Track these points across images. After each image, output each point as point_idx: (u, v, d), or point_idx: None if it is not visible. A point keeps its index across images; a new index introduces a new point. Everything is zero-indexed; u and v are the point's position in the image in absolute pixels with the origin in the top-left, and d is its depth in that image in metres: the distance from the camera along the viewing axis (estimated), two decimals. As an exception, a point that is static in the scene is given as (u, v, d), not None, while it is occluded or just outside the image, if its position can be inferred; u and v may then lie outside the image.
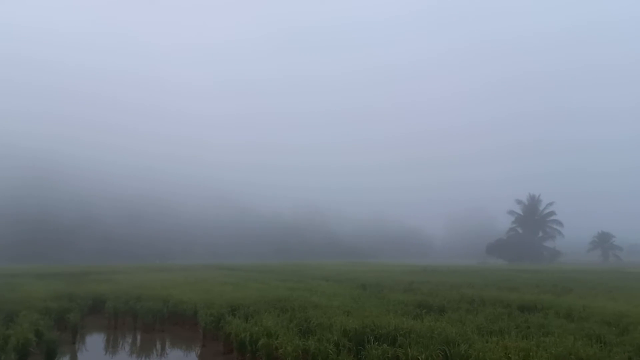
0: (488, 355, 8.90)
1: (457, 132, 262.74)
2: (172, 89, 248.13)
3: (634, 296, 19.95)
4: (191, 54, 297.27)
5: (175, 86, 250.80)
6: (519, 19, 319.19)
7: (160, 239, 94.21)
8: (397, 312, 14.50)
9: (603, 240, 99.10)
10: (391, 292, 20.93)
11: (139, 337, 16.63)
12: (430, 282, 26.96)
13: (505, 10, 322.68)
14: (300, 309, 15.18)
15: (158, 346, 15.47)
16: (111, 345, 15.70)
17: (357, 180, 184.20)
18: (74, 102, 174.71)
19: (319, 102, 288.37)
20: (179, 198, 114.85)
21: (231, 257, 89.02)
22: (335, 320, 12.46)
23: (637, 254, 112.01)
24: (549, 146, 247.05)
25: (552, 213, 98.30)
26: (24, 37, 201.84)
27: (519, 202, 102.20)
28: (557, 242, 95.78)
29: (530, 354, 8.86)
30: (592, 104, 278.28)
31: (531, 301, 16.91)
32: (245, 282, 27.27)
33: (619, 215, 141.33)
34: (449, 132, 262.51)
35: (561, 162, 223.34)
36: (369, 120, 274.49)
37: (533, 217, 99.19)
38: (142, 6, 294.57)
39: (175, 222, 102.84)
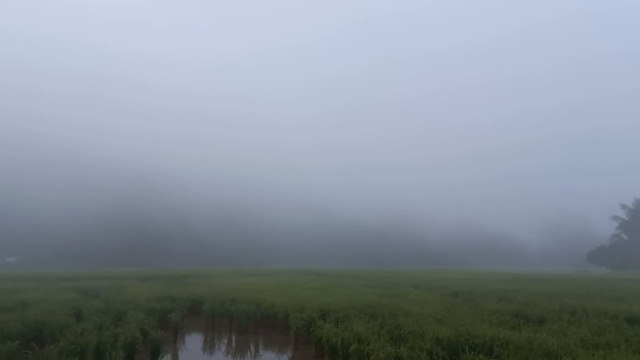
0: (596, 370, 8.32)
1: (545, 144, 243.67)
2: (251, 96, 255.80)
3: None
4: (261, 60, 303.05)
5: (255, 93, 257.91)
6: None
7: (249, 245, 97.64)
8: (492, 321, 13.94)
9: None
10: (485, 301, 20.17)
11: (234, 338, 17.25)
12: (526, 291, 25.65)
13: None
14: (390, 315, 15.04)
15: (252, 348, 15.95)
16: (208, 346, 16.41)
17: (444, 187, 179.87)
18: (165, 119, 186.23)
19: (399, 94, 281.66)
20: (267, 204, 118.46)
21: (317, 262, 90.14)
22: (427, 328, 12.21)
23: None
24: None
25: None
26: (126, 59, 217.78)
27: (624, 206, 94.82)
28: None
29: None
30: None
31: (642, 313, 15.60)
32: (333, 287, 27.44)
33: None
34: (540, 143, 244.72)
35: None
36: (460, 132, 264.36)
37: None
38: (212, 17, 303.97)
39: (263, 227, 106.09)
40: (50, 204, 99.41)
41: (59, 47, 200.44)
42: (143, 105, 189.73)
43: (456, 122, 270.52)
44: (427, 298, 20.98)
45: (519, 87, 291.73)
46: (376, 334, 12.16)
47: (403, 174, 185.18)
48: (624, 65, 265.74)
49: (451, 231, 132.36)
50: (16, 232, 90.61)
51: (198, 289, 25.75)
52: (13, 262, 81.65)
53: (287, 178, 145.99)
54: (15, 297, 20.39)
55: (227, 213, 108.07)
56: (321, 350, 13.30)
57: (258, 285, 28.69)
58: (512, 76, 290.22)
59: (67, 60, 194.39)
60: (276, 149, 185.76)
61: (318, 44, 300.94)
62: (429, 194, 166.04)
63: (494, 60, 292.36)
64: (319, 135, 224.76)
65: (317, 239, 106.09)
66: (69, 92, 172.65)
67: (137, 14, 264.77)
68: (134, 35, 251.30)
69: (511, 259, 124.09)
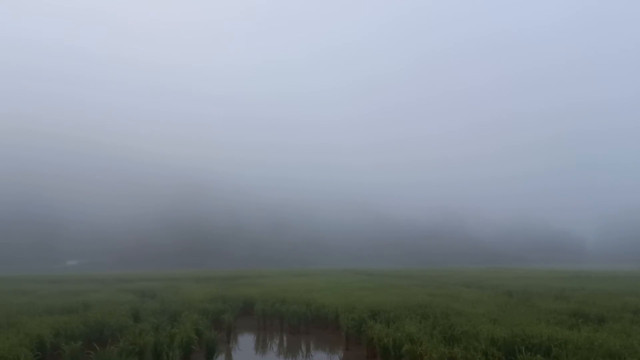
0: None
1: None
2: (300, 98, 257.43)
3: None
4: (308, 63, 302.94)
5: (303, 95, 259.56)
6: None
7: (300, 245, 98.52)
8: (549, 321, 13.46)
9: None
10: (541, 300, 19.51)
11: (285, 338, 17.41)
12: (584, 289, 24.64)
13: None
14: (443, 315, 14.79)
15: (303, 348, 16.04)
16: (261, 346, 16.63)
17: (498, 180, 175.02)
18: (219, 126, 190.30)
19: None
20: (317, 204, 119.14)
21: (367, 262, 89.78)
22: (481, 328, 11.93)
23: None
24: None
25: None
26: (183, 71, 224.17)
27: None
28: None
29: None
30: None
31: None
32: (383, 287, 27.24)
33: None
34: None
35: None
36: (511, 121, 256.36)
37: None
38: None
39: (314, 228, 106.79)
40: (110, 209, 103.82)
41: (125, 63, 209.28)
42: (199, 114, 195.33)
43: (512, 111, 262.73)
44: (480, 297, 20.51)
45: (581, 74, 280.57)
46: (428, 335, 11.98)
47: (456, 169, 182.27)
48: None
49: (506, 228, 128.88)
50: (77, 237, 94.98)
51: (250, 289, 26.15)
52: (74, 265, 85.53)
53: (337, 178, 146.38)
54: (78, 299, 21.33)
55: (278, 214, 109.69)
56: (373, 350, 13.23)
57: (308, 285, 28.82)
58: (571, 62, 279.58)
59: (132, 76, 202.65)
60: (326, 148, 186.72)
61: (362, 42, 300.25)
62: (483, 189, 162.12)
63: (549, 47, 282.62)
64: (367, 134, 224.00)
65: (367, 239, 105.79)
66: (129, 105, 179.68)
67: (194, 30, 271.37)
68: (189, 50, 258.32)
69: (567, 256, 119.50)
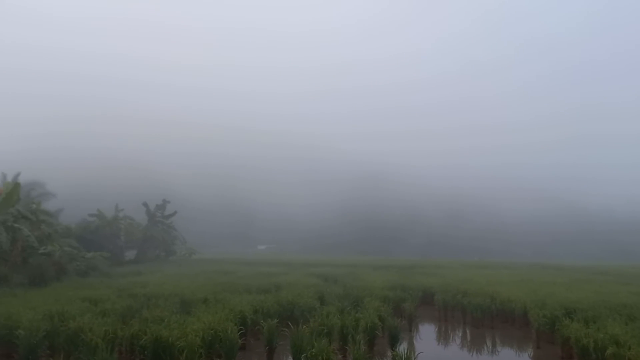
0: None
1: None
2: (467, 75, 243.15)
3: None
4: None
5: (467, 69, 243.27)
6: None
7: (477, 236, 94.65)
8: None
9: None
10: None
11: (468, 331, 16.89)
12: None
13: None
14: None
15: (488, 343, 15.38)
16: (442, 337, 16.38)
17: None
18: (390, 118, 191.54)
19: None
20: (495, 193, 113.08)
21: (555, 256, 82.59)
22: None
23: None
24: None
25: None
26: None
27: None
28: None
29: None
30: None
31: None
32: (576, 283, 24.87)
33: None
34: None
35: None
36: None
37: None
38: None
39: (492, 219, 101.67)
40: (294, 198, 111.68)
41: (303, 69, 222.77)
42: (373, 109, 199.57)
43: None
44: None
45: None
46: (637, 338, 10.60)
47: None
48: None
49: None
50: (267, 224, 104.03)
51: (429, 279, 25.92)
52: (263, 249, 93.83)
53: (510, 160, 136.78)
54: (270, 280, 23.35)
55: (453, 204, 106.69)
56: (569, 350, 12.14)
57: (490, 277, 27.61)
58: None
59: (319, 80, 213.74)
60: (492, 129, 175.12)
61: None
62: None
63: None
64: (533, 107, 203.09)
65: (556, 232, 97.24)
66: (311, 108, 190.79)
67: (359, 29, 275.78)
68: (361, 46, 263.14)
69: None
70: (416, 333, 16.29)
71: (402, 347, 12.41)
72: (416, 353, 10.52)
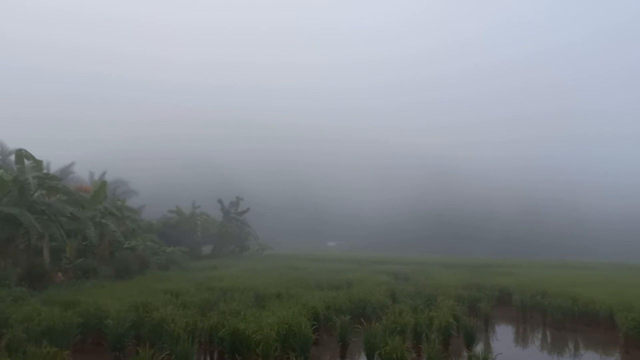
0: None
1: None
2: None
3: None
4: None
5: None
6: None
7: (556, 235, 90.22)
8: None
9: None
10: None
11: (548, 333, 16.21)
12: None
13: None
14: None
15: (570, 346, 14.71)
16: (521, 338, 15.83)
17: None
18: (458, 111, 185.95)
19: None
20: (577, 188, 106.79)
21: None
22: None
23: None
24: None
25: None
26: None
27: None
28: None
29: None
30: None
31: None
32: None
33: None
34: None
35: None
36: None
37: None
38: None
39: (572, 215, 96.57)
40: (363, 195, 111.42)
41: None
42: (436, 99, 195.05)
43: None
44: None
45: None
46: None
47: None
48: None
49: None
50: (336, 221, 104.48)
51: (504, 278, 25.10)
52: (333, 246, 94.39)
53: (603, 155, 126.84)
54: (340, 277, 23.49)
55: (535, 202, 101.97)
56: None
57: (570, 278, 26.35)
58: None
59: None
60: (585, 116, 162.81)
61: None
62: None
63: None
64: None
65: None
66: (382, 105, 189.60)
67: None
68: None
69: None
70: (492, 334, 15.85)
71: (479, 348, 12.12)
72: (494, 354, 10.24)
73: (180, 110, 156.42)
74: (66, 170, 37.31)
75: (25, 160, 21.90)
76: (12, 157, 28.90)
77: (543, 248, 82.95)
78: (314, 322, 12.34)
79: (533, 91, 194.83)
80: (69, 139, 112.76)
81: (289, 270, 28.07)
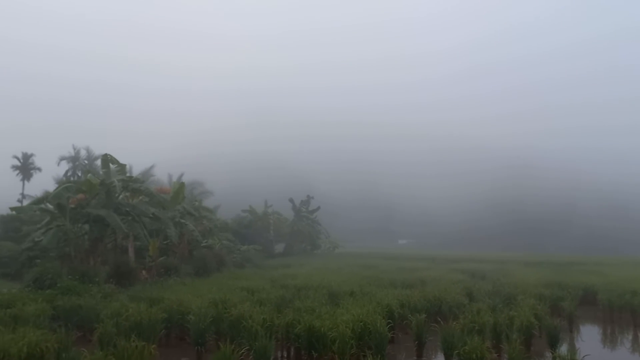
0: None
1: None
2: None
3: None
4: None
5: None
6: None
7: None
8: None
9: None
10: None
11: (639, 334, 15.20)
12: None
13: None
14: None
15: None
16: (609, 340, 14.96)
17: None
18: (533, 95, 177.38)
19: None
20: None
21: None
22: None
23: None
24: None
25: None
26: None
27: None
28: None
29: None
30: None
31: None
32: None
33: None
34: None
35: None
36: None
37: None
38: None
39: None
40: (434, 191, 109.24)
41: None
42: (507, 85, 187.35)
43: None
44: None
45: None
46: None
47: None
48: None
49: None
50: (406, 218, 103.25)
51: (589, 277, 23.73)
52: (404, 244, 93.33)
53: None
54: (414, 275, 23.17)
55: (616, 194, 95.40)
56: None
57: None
58: None
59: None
60: None
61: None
62: None
63: None
64: None
65: None
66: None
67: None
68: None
69: None
70: (577, 334, 15.07)
71: (563, 349, 11.56)
72: (581, 355, 9.73)
73: (249, 113, 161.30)
74: (147, 173, 39.39)
75: (110, 165, 23.26)
76: (98, 162, 30.96)
77: (630, 245, 77.62)
78: (389, 320, 12.23)
79: (621, 71, 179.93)
80: (150, 148, 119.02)
81: (361, 269, 28.05)
